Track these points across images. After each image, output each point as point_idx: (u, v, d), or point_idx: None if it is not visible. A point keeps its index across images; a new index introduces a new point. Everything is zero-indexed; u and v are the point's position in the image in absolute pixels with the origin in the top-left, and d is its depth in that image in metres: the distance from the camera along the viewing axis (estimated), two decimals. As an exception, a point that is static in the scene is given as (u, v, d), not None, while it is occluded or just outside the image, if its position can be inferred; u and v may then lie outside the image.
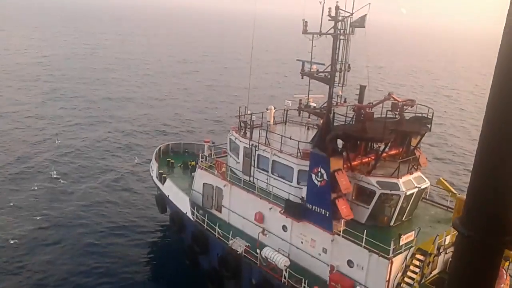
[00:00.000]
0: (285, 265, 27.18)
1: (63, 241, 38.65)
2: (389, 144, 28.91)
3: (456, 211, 26.82)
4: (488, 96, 5.20)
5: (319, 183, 26.40)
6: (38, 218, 41.83)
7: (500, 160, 4.99)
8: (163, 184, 38.43)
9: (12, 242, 37.66)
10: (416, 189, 27.36)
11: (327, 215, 26.26)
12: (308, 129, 35.17)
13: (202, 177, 34.67)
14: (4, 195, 45.79)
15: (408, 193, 26.78)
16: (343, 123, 28.76)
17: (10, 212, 42.65)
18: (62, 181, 50.09)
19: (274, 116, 34.70)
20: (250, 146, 31.90)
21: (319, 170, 26.23)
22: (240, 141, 32.80)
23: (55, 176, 51.21)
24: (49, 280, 33.52)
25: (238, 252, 29.67)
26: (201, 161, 35.40)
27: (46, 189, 48.04)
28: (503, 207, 5.03)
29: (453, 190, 31.20)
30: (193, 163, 40.00)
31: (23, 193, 46.50)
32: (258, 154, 31.53)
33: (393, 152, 29.66)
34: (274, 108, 34.88)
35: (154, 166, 41.05)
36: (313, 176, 26.62)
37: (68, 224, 41.30)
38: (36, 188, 47.98)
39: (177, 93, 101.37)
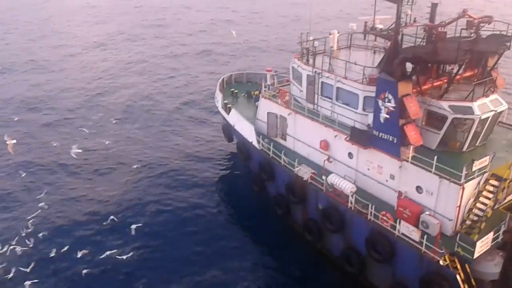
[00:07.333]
0: (351, 191, 27.37)
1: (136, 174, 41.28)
2: (463, 66, 27.26)
3: None
4: None
5: (386, 109, 25.62)
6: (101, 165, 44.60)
7: None
8: (228, 114, 39.09)
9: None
10: (492, 113, 25.90)
11: (395, 141, 25.72)
12: (374, 53, 33.71)
13: (266, 106, 34.77)
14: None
15: (483, 117, 25.42)
16: (413, 45, 27.16)
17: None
18: (135, 118, 52.49)
19: (337, 41, 33.39)
20: (313, 74, 31.24)
21: (386, 95, 25.36)
22: (303, 69, 32.16)
23: (124, 118, 53.76)
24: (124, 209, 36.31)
25: (304, 179, 30.17)
26: (264, 90, 35.34)
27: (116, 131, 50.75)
28: None
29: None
30: (257, 92, 40.05)
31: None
32: (322, 82, 30.89)
33: (467, 74, 27.95)
34: (338, 32, 33.45)
35: (218, 97, 41.62)
36: (380, 102, 25.83)
37: (138, 157, 43.83)
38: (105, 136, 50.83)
39: (239, 22, 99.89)
